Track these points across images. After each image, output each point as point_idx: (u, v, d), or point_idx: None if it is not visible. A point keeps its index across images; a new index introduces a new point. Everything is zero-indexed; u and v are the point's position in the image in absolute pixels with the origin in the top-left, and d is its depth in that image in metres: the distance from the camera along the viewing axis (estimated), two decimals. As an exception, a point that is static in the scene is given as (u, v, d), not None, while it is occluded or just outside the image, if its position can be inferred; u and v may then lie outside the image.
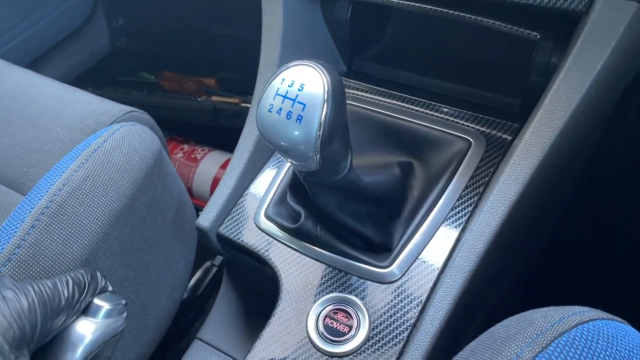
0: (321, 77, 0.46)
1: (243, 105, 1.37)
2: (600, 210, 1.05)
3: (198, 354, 0.75)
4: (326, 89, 0.46)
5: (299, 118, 0.46)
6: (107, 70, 1.61)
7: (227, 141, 1.27)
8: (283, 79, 0.47)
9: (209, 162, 1.32)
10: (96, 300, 0.50)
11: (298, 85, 0.46)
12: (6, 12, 1.39)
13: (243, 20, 1.41)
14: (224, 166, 1.29)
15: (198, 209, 0.82)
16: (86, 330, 0.48)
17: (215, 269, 1.00)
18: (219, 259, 1.01)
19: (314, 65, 0.47)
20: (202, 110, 1.41)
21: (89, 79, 1.57)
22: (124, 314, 0.52)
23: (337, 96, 0.46)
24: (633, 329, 0.44)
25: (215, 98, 1.43)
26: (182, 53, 1.56)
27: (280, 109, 0.47)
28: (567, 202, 0.99)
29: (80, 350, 0.47)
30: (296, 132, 0.46)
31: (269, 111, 0.47)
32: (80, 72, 1.58)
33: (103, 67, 1.61)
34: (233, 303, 0.79)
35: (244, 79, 1.46)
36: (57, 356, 0.47)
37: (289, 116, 0.46)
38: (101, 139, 0.63)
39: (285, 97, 0.46)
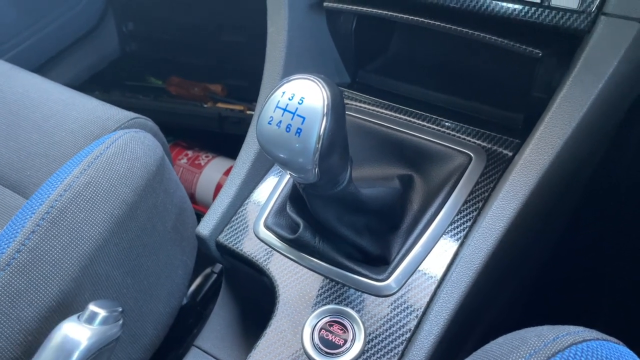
0: (321, 91, 0.47)
1: (248, 112, 1.38)
2: (602, 227, 1.04)
3: (195, 362, 0.76)
4: (326, 103, 0.46)
5: (298, 131, 0.46)
6: (115, 74, 1.62)
7: (231, 148, 1.27)
8: (283, 92, 0.48)
9: (213, 168, 1.32)
10: (92, 307, 0.50)
11: (298, 99, 0.47)
12: (18, 15, 1.41)
13: (251, 28, 1.42)
14: (227, 173, 1.29)
15: (201, 215, 0.82)
16: (81, 336, 0.48)
17: (215, 275, 1.00)
18: (219, 266, 1.01)
19: (314, 79, 0.47)
20: (208, 116, 1.42)
21: (97, 82, 1.58)
22: (120, 321, 0.52)
23: (336, 110, 0.47)
24: (628, 350, 0.44)
25: (221, 105, 1.44)
26: (190, 59, 1.57)
27: (280, 121, 0.47)
28: (569, 218, 0.99)
29: (74, 357, 0.47)
30: (295, 145, 0.47)
31: (269, 123, 0.48)
32: (89, 75, 1.60)
33: (112, 71, 1.63)
34: (231, 311, 0.79)
35: (250, 86, 1.47)
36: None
37: (288, 129, 0.47)
38: (104, 146, 0.63)
39: (285, 110, 0.47)
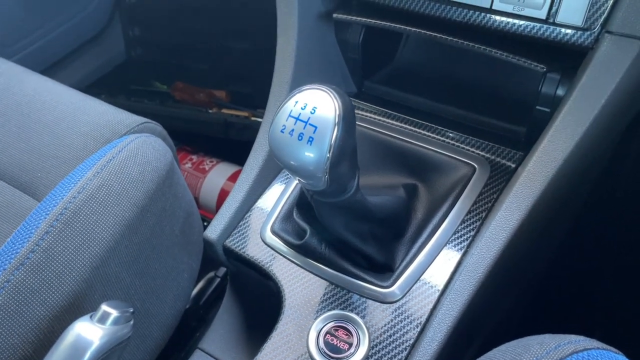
0: (333, 101, 0.48)
1: (253, 119, 1.39)
2: (603, 238, 1.06)
3: (199, 364, 0.77)
4: (337, 113, 0.47)
5: (310, 140, 0.48)
6: (121, 78, 1.64)
7: (235, 153, 1.28)
8: (296, 102, 0.49)
9: (217, 173, 1.33)
10: (104, 307, 0.51)
11: (310, 108, 0.48)
12: (27, 17, 1.43)
13: (256, 35, 1.44)
14: (231, 178, 1.31)
15: (204, 220, 0.83)
16: (94, 335, 0.49)
17: (218, 280, 1.01)
18: (222, 271, 1.02)
19: (326, 90, 0.49)
20: (213, 122, 1.43)
21: (103, 86, 1.60)
22: (131, 322, 0.53)
23: (347, 120, 0.48)
24: (626, 359, 0.45)
25: (225, 110, 1.45)
26: (195, 65, 1.59)
27: (293, 130, 0.48)
28: (570, 228, 1.00)
29: (87, 356, 0.48)
30: (306, 153, 0.48)
31: (282, 132, 0.49)
32: (95, 79, 1.61)
33: (117, 75, 1.64)
34: (235, 315, 0.80)
35: (254, 93, 1.49)
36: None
37: (300, 137, 0.48)
38: (116, 150, 0.65)
39: (297, 119, 0.48)
